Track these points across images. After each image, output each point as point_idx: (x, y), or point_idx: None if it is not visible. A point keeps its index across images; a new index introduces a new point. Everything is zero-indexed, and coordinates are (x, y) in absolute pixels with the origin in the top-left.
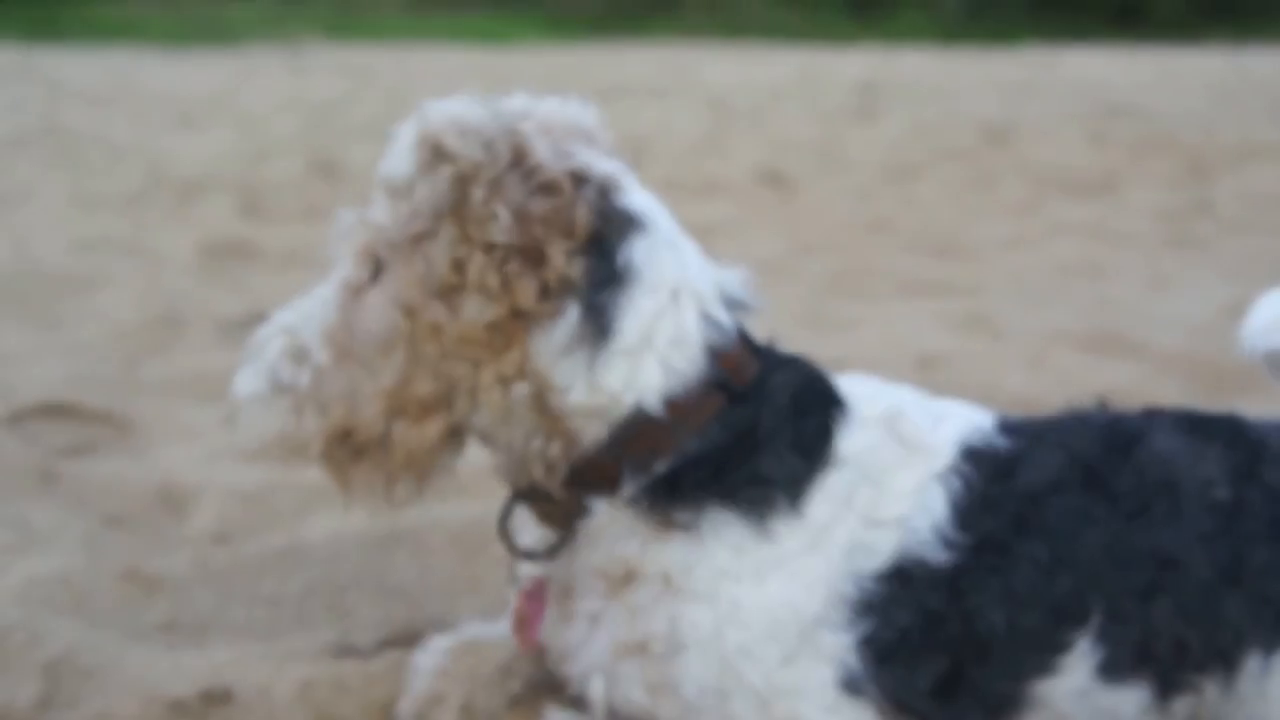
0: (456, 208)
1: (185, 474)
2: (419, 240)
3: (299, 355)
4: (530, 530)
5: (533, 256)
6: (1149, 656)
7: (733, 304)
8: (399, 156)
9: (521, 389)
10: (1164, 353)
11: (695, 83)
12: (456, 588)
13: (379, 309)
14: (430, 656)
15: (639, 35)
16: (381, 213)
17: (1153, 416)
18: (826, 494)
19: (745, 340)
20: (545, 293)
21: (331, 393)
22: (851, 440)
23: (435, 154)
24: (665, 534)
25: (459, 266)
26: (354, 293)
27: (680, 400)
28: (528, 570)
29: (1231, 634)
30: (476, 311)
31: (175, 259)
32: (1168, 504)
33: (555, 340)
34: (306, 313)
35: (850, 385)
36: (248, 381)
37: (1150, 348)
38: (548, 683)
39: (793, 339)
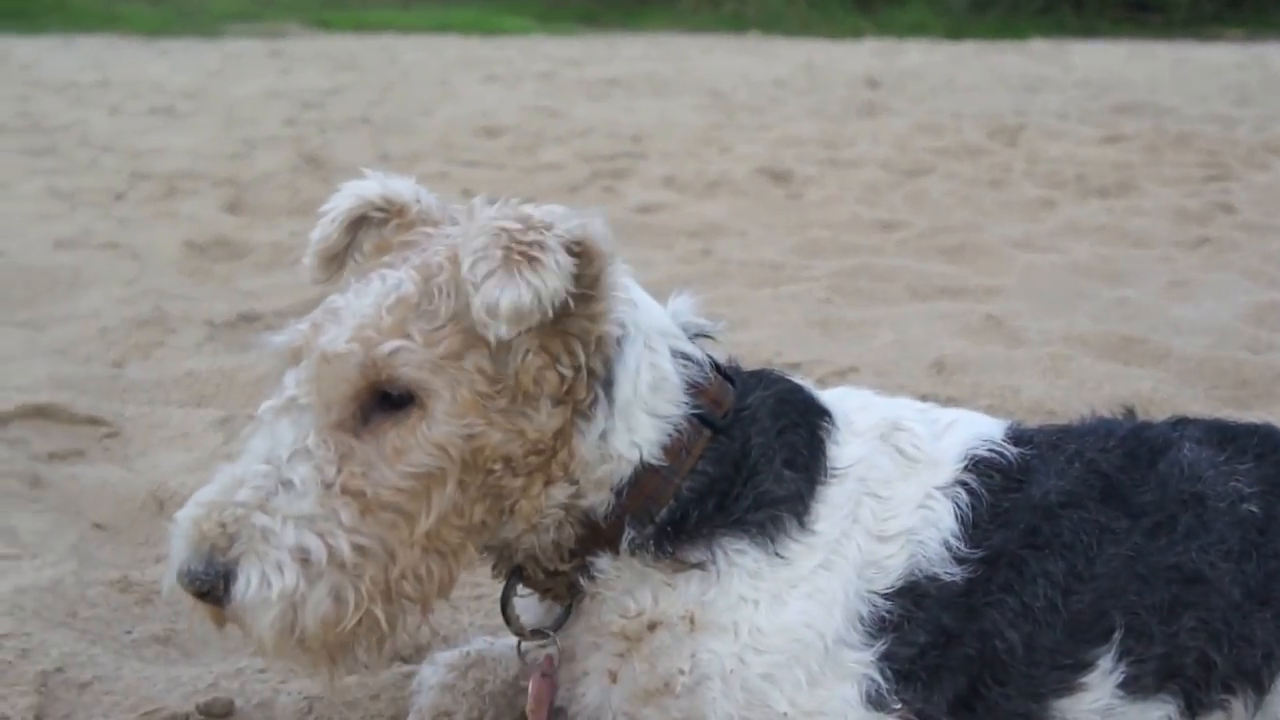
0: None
1: (176, 479)
2: (460, 356)
3: (317, 526)
4: (525, 603)
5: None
6: (1174, 673)
7: (696, 333)
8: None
9: (561, 491)
10: (1186, 359)
11: (694, 76)
12: (459, 601)
13: (418, 444)
14: (436, 671)
15: (634, 27)
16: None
17: (1181, 426)
18: (831, 508)
19: (716, 367)
20: (593, 378)
21: (368, 552)
22: (845, 452)
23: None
24: (679, 577)
25: (539, 376)
26: (349, 434)
27: (672, 443)
28: (534, 647)
29: (1260, 653)
30: (546, 418)
31: (160, 257)
32: (1193, 518)
33: (596, 426)
34: (274, 478)
35: (839, 398)
36: (265, 582)
37: (1172, 354)
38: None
39: (803, 344)
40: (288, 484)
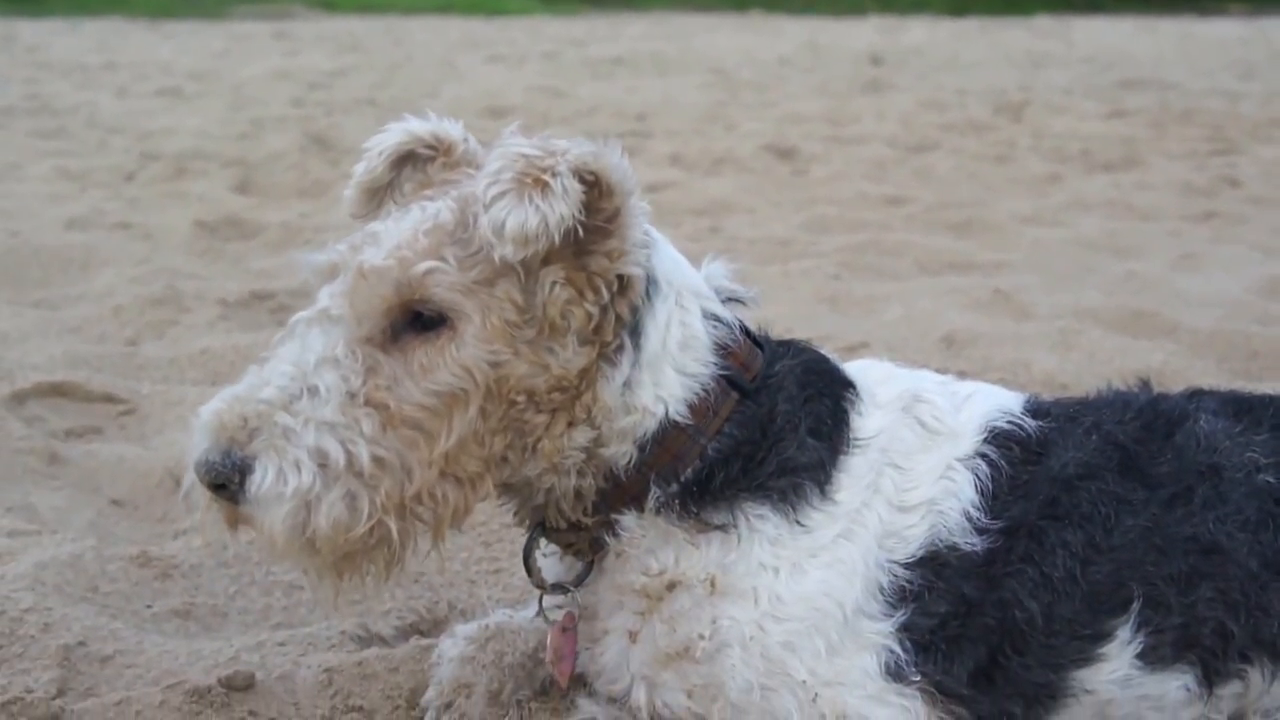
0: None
1: None
2: (493, 283)
3: (338, 432)
4: (547, 561)
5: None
6: (1191, 644)
7: (729, 297)
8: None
9: (583, 434)
10: (1196, 332)
11: (698, 54)
12: (477, 575)
13: (444, 363)
14: (456, 644)
15: (637, 6)
16: (405, 254)
17: (1197, 398)
18: (853, 478)
19: (746, 332)
20: (620, 323)
21: (386, 464)
22: (868, 422)
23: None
24: (702, 537)
25: (565, 311)
26: (377, 349)
27: (699, 403)
28: (554, 603)
29: (1277, 623)
30: (572, 355)
31: (171, 237)
32: (1210, 489)
33: (621, 373)
34: (300, 382)
35: (862, 370)
36: (281, 478)
37: (1182, 327)
38: (579, 673)
39: (813, 319)
40: (313, 389)
